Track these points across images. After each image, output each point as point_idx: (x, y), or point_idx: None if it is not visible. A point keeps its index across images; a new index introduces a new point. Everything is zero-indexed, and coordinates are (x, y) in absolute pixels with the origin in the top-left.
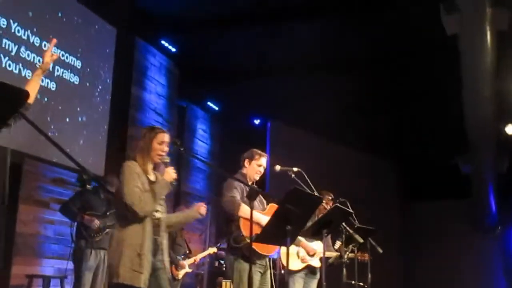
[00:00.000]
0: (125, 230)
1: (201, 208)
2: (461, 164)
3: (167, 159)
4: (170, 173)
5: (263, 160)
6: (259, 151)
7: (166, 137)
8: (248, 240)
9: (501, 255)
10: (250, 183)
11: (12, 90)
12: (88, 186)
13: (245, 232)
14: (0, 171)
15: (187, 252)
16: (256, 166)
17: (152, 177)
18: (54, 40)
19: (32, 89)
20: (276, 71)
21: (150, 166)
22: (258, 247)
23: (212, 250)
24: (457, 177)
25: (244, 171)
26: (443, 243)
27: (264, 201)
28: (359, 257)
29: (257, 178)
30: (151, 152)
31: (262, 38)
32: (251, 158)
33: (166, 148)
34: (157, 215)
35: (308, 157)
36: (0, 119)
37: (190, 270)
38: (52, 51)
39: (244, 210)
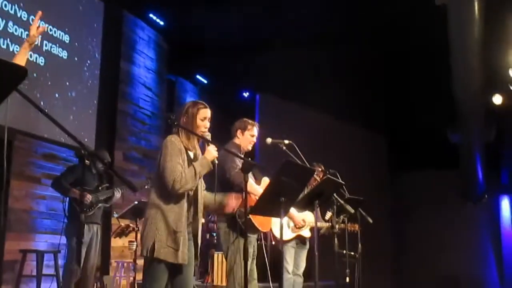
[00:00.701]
0: (161, 205)
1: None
2: (450, 134)
3: (209, 136)
4: (212, 152)
5: (256, 130)
6: (251, 121)
7: (208, 112)
8: (250, 214)
9: (488, 222)
10: (243, 153)
11: (11, 67)
12: (87, 161)
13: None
14: None
15: None
16: (249, 137)
17: (192, 153)
18: (40, 13)
19: (20, 63)
20: (264, 43)
21: (194, 142)
22: (257, 222)
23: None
24: (446, 147)
25: (237, 141)
26: (432, 212)
27: (254, 174)
28: (349, 228)
29: (250, 148)
30: (194, 128)
31: (250, 11)
32: (244, 129)
33: (208, 124)
34: (191, 192)
35: (297, 129)
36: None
37: None
38: (38, 24)
39: (251, 185)
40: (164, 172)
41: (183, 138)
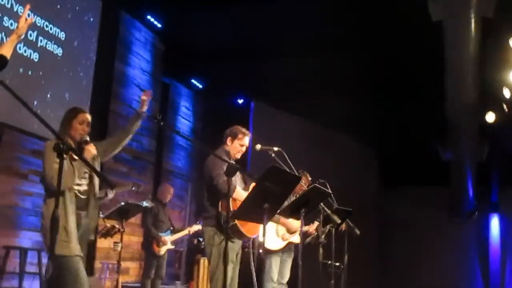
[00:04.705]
0: (50, 203)
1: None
2: (441, 151)
3: (87, 138)
4: (90, 150)
5: (246, 140)
6: (243, 129)
7: (86, 117)
8: (236, 221)
9: (476, 241)
10: (232, 160)
11: None
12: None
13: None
14: None
15: (171, 228)
16: (238, 146)
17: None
18: (28, 6)
19: (6, 53)
20: (261, 51)
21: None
22: (244, 228)
23: (197, 227)
24: (436, 163)
25: (227, 148)
26: (420, 228)
27: (244, 180)
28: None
29: (239, 156)
30: (72, 131)
31: (249, 17)
32: (234, 137)
33: (87, 128)
34: (81, 188)
35: (290, 138)
36: None
37: (172, 247)
38: (26, 16)
39: (237, 191)
40: (43, 172)
41: None
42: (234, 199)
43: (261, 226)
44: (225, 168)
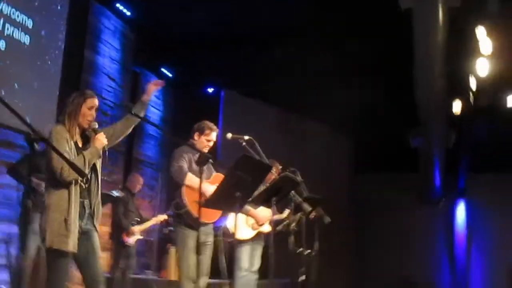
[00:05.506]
0: (52, 195)
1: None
2: (411, 138)
3: (96, 125)
4: (101, 140)
5: (213, 135)
6: (210, 125)
7: (95, 102)
8: (188, 207)
9: (443, 227)
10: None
11: None
12: (36, 146)
13: (186, 199)
14: None
15: (138, 219)
16: (205, 141)
17: (80, 143)
18: None
19: None
20: (231, 40)
21: (77, 132)
22: (199, 214)
23: (163, 217)
24: (406, 150)
25: (194, 142)
26: (391, 214)
27: (213, 170)
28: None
29: (206, 151)
30: (80, 117)
31: (219, 5)
32: (201, 132)
33: (95, 114)
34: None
35: (261, 127)
36: None
37: (141, 237)
38: None
39: (190, 178)
40: (52, 161)
41: (68, 127)
42: (189, 186)
43: (221, 212)
44: (181, 161)
